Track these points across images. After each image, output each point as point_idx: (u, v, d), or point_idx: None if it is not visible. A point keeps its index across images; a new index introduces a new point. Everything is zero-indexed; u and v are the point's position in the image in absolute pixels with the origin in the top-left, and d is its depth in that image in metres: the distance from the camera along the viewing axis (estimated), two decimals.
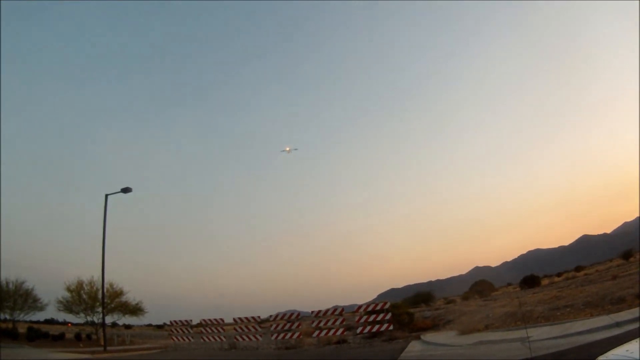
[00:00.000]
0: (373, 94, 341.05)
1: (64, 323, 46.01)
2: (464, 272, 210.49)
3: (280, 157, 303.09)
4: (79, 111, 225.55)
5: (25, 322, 35.17)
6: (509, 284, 66.88)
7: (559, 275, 61.94)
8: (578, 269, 61.21)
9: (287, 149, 66.22)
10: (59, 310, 33.21)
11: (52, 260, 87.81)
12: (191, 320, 26.75)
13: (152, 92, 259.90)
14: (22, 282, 34.60)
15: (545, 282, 50.48)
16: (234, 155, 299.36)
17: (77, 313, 32.57)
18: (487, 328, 23.12)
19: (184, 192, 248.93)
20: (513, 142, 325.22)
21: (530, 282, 47.18)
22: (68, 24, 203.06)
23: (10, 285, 34.31)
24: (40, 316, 36.51)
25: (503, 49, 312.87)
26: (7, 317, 34.15)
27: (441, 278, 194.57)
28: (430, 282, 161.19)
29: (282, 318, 23.76)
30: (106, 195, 26.91)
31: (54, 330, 34.86)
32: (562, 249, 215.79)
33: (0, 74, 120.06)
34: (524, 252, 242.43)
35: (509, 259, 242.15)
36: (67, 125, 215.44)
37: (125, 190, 26.71)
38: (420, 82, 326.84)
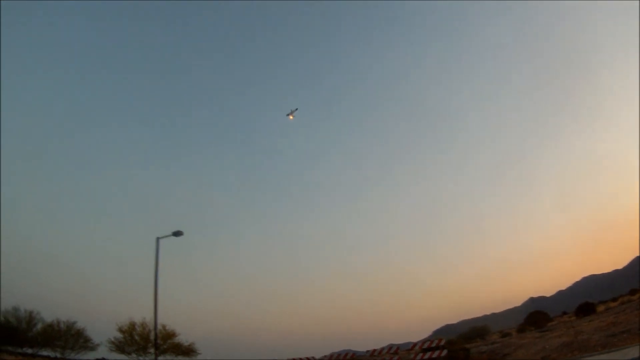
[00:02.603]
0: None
1: None
2: (518, 304, 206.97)
3: (330, 196, 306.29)
4: (129, 153, 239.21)
5: None
6: (565, 313, 66.01)
7: (614, 300, 61.08)
8: (633, 292, 60.25)
9: (291, 116, 65.37)
10: (111, 350, 34.95)
11: (104, 301, 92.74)
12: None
13: (199, 129, 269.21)
14: (74, 322, 37.66)
15: (600, 308, 50.10)
16: (279, 196, 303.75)
17: (129, 354, 34.25)
18: None
19: (235, 233, 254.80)
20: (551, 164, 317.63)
21: (585, 309, 46.97)
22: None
23: (62, 325, 37.29)
24: (91, 356, 38.41)
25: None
26: (59, 355, 36.86)
27: (496, 311, 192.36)
28: (485, 316, 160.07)
29: (336, 358, 24.50)
30: (157, 239, 28.39)
31: None
32: (616, 273, 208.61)
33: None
34: (578, 279, 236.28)
35: (564, 287, 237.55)
36: (120, 166, 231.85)
37: (177, 233, 28.24)
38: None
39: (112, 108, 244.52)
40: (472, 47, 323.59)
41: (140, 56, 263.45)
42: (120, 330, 34.51)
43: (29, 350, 36.51)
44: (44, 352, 37.08)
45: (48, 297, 75.21)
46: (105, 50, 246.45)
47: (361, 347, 38.28)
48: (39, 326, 37.05)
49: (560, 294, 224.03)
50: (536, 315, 54.65)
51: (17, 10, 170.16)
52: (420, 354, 22.85)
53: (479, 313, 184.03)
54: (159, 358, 32.53)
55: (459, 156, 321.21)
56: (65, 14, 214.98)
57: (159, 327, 32.03)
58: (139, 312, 43.89)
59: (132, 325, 34.19)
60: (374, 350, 23.71)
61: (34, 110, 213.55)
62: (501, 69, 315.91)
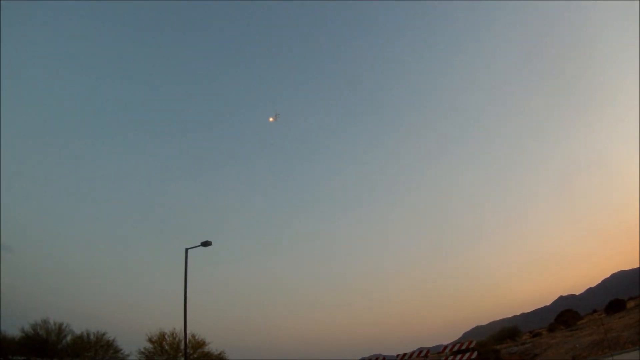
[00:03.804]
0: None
1: None
2: (548, 303, 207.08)
3: (358, 200, 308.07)
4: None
5: None
6: (595, 311, 65.98)
7: None
8: None
9: (271, 119, 65.63)
10: None
11: (134, 312, 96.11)
12: None
13: (226, 138, 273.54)
14: (103, 334, 39.07)
15: (630, 304, 50.07)
16: (307, 201, 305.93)
17: None
18: (574, 359, 24.46)
19: (264, 240, 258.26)
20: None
21: (615, 306, 47.01)
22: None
23: (92, 337, 38.73)
24: None
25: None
26: None
27: (526, 311, 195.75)
28: (515, 317, 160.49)
29: None
30: (186, 249, 28.96)
31: None
32: None
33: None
34: (607, 275, 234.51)
35: (593, 284, 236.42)
36: (146, 179, 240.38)
37: (205, 243, 28.72)
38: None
39: (138, 119, 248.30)
40: (471, 47, 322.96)
41: (163, 64, 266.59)
42: (150, 340, 35.79)
43: None
44: None
45: (78, 310, 77.87)
46: (127, 58, 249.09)
47: (391, 351, 39.19)
48: (69, 338, 38.45)
49: (590, 291, 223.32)
50: (566, 314, 54.85)
51: (20, 10, 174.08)
52: (451, 357, 23.11)
53: (508, 313, 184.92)
54: None
55: (473, 155, 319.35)
56: (88, 15, 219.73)
57: (189, 336, 33.21)
58: (169, 322, 45.43)
59: (162, 336, 35.45)
60: (404, 354, 24.16)
61: (57, 117, 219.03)
62: (501, 68, 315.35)
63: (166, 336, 35.52)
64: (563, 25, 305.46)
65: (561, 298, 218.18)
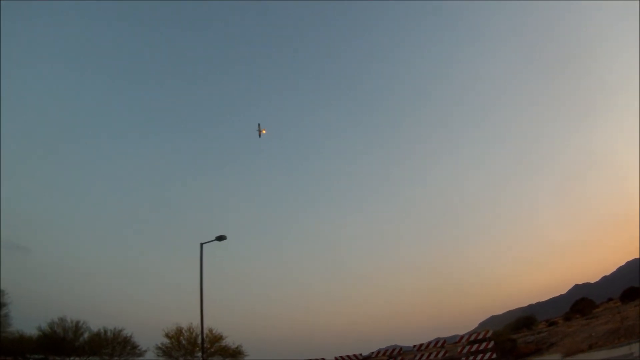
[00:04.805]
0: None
1: None
2: (563, 292, 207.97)
3: (371, 190, 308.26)
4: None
5: None
6: (610, 299, 66.15)
7: None
8: None
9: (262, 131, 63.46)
10: (158, 356, 37.25)
11: (151, 309, 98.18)
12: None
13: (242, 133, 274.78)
14: (120, 330, 40.08)
15: None
16: (322, 192, 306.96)
17: (177, 358, 36.49)
18: (590, 348, 24.94)
19: (279, 234, 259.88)
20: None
21: (631, 294, 47.24)
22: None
23: (109, 333, 39.76)
24: None
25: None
26: None
27: (541, 300, 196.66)
28: (530, 306, 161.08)
29: (384, 354, 25.58)
30: (201, 244, 29.55)
31: None
32: None
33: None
34: (623, 263, 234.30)
35: (608, 272, 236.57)
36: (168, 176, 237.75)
37: (220, 238, 29.31)
38: None
39: (148, 117, 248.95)
40: (470, 47, 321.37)
41: (168, 61, 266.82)
42: (167, 335, 36.74)
43: (77, 359, 38.96)
44: None
45: (95, 308, 79.42)
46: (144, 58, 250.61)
47: (408, 342, 39.71)
48: (86, 335, 39.41)
49: (605, 279, 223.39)
50: (581, 302, 55.22)
51: (20, 10, 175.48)
52: (467, 347, 23.56)
53: (524, 303, 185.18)
54: None
55: (483, 150, 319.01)
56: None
57: (206, 331, 34.04)
58: (185, 317, 46.40)
59: (179, 331, 36.35)
60: (421, 345, 24.71)
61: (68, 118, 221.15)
62: (500, 69, 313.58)
63: (183, 331, 36.43)
64: (563, 25, 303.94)
65: (576, 287, 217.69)
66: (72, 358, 38.82)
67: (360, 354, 26.85)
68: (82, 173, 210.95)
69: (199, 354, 34.37)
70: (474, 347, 23.02)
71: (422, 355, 24.15)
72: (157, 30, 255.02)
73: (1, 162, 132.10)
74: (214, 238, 29.81)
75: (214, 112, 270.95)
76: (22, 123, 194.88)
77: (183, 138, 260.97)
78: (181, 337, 36.34)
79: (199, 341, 33.28)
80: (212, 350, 36.49)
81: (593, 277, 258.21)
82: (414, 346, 24.76)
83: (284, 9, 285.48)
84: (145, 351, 39.42)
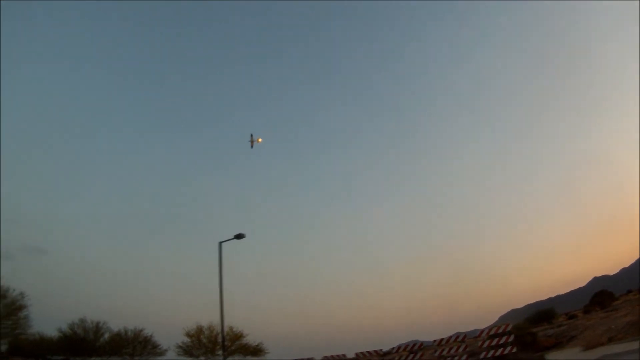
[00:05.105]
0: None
1: None
2: (583, 285, 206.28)
3: (396, 185, 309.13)
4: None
5: None
6: (629, 291, 65.75)
7: None
8: None
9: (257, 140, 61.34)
10: (179, 354, 37.71)
11: (171, 308, 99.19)
12: (313, 358, 29.40)
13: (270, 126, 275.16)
14: (141, 330, 40.55)
15: None
16: (343, 188, 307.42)
17: (197, 357, 36.88)
18: (610, 341, 24.99)
19: (295, 232, 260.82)
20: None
21: None
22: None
23: (129, 333, 40.28)
24: None
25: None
26: None
27: (561, 293, 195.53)
28: (550, 299, 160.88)
29: (404, 349, 25.58)
30: (220, 243, 29.91)
31: None
32: None
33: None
34: None
35: (627, 264, 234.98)
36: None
37: (239, 236, 29.43)
38: None
39: (155, 117, 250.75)
40: (469, 47, 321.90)
41: (171, 60, 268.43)
42: (188, 334, 37.23)
43: (97, 359, 39.60)
44: None
45: (114, 309, 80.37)
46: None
47: (429, 337, 39.89)
48: (107, 336, 39.93)
49: (624, 271, 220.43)
50: (601, 295, 54.83)
51: (20, 9, 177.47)
52: (488, 341, 23.85)
53: (544, 296, 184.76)
54: (228, 359, 35.10)
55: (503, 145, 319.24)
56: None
57: (226, 329, 34.41)
58: (206, 316, 46.87)
59: (200, 329, 36.83)
60: (441, 340, 24.94)
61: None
62: (500, 68, 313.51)
63: (203, 329, 36.87)
64: (563, 25, 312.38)
65: (595, 279, 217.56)
66: (92, 358, 39.27)
67: (381, 350, 27.01)
68: (96, 173, 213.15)
69: (220, 352, 34.72)
70: (494, 341, 23.23)
71: (443, 350, 24.41)
72: (157, 30, 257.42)
73: (1, 162, 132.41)
74: (233, 236, 29.94)
75: (224, 110, 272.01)
76: (22, 123, 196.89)
77: (199, 136, 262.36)
78: (201, 336, 36.76)
79: (220, 339, 33.56)
80: (233, 348, 36.82)
81: (612, 269, 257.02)
82: (434, 341, 25.01)
83: (284, 9, 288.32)
84: (165, 350, 39.84)
